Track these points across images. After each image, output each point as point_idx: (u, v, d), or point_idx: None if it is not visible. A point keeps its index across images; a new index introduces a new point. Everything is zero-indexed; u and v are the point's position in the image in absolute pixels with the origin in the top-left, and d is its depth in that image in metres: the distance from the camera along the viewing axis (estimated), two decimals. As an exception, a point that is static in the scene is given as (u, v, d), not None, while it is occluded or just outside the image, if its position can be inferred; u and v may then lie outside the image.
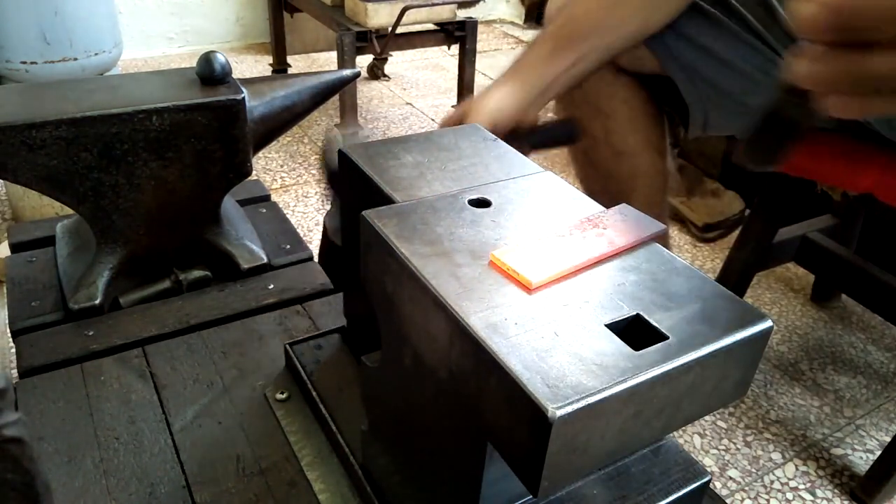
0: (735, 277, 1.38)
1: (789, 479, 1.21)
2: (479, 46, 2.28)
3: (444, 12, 2.15)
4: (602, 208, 0.52)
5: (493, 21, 3.86)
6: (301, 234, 1.03)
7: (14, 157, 0.73)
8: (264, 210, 1.06)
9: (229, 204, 0.93)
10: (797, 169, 1.12)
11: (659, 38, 0.96)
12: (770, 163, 0.47)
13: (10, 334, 0.81)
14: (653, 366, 0.38)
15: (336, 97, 1.93)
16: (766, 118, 0.45)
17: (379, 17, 2.04)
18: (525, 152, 0.62)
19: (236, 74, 0.84)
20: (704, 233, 1.89)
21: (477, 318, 0.40)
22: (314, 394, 0.69)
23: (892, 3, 0.32)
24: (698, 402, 0.42)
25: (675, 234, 1.91)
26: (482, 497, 0.46)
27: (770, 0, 0.91)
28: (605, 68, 0.98)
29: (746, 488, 1.19)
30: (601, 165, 1.15)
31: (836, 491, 1.19)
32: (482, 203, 0.52)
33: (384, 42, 2.09)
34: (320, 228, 1.77)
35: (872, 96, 0.34)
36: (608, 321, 0.41)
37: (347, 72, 0.94)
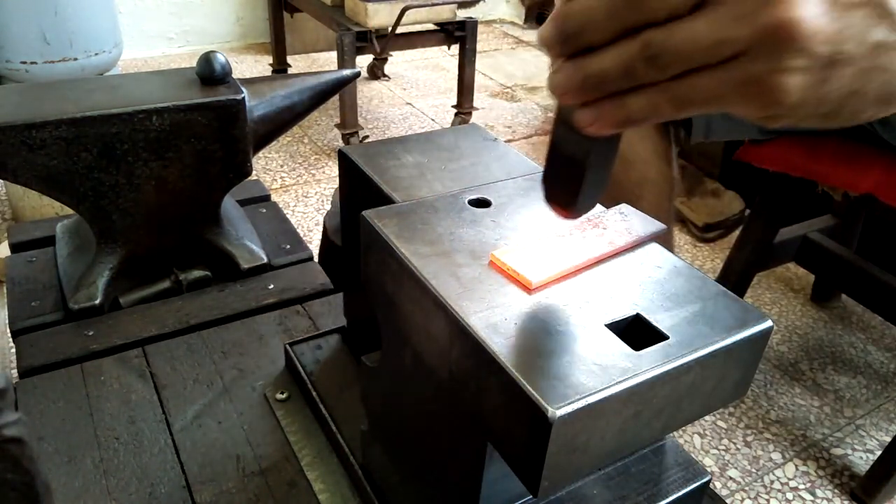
0: (735, 277, 1.38)
1: (789, 479, 1.21)
2: (479, 46, 2.28)
3: (444, 12, 2.15)
4: (602, 208, 0.52)
5: (493, 21, 3.86)
6: (301, 234, 1.03)
7: (14, 157, 0.73)
8: (264, 210, 1.06)
9: (229, 204, 0.93)
10: (798, 169, 1.12)
11: None
12: (573, 207, 0.41)
13: (10, 334, 0.81)
14: (653, 366, 0.38)
15: (336, 97, 1.93)
16: (550, 157, 0.41)
17: (379, 17, 2.04)
18: None
19: (236, 74, 0.84)
20: (704, 233, 1.89)
21: (477, 318, 0.40)
22: (314, 394, 0.69)
23: (597, 2, 0.32)
24: (698, 402, 0.42)
25: (676, 234, 1.91)
26: (482, 497, 0.46)
27: None
28: None
29: (746, 488, 1.19)
30: None
31: (836, 491, 1.19)
32: (482, 203, 0.52)
33: (384, 42, 2.09)
34: (320, 228, 1.77)
35: (614, 102, 0.34)
36: (608, 321, 0.41)
37: (347, 72, 0.94)
